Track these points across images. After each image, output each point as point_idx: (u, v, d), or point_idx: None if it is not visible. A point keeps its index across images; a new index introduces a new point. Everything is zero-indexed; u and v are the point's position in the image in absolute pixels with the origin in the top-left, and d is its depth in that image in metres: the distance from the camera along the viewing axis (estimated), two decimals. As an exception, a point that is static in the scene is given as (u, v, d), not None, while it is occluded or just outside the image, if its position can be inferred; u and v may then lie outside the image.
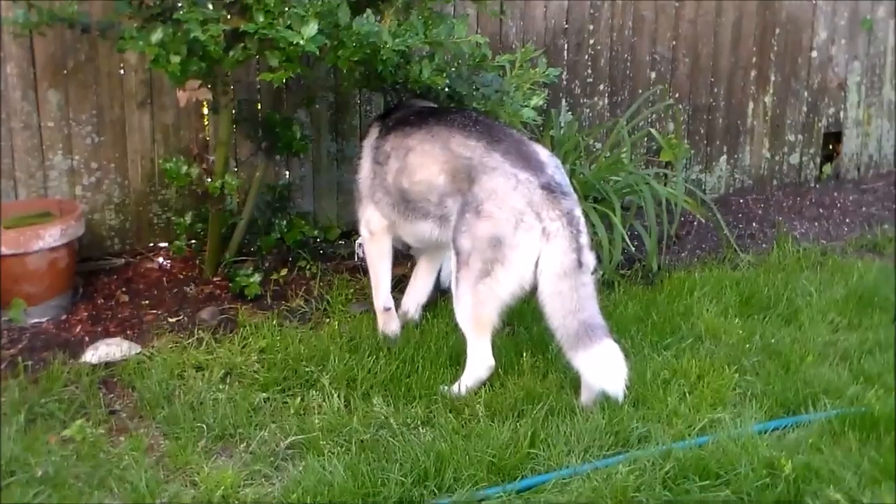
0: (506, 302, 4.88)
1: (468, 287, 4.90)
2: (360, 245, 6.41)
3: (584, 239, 4.79)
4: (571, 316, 4.67)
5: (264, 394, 4.95)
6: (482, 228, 4.85)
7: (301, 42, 4.82)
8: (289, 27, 4.84)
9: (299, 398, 4.91)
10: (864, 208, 7.66)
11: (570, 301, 4.70)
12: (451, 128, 5.19)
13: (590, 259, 4.78)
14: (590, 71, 7.26)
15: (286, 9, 4.86)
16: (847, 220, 7.51)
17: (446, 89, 5.60)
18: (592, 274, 4.85)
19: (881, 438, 4.51)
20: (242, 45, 5.15)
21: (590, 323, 4.66)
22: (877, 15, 7.83)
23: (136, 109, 6.22)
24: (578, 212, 4.84)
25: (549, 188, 4.82)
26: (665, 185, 6.92)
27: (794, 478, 4.20)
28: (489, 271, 4.82)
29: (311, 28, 4.81)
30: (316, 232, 6.46)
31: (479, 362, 4.96)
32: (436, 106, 5.63)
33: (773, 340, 5.51)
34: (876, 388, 4.93)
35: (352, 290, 6.05)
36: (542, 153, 5.04)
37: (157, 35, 5.10)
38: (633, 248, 6.62)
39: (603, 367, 4.62)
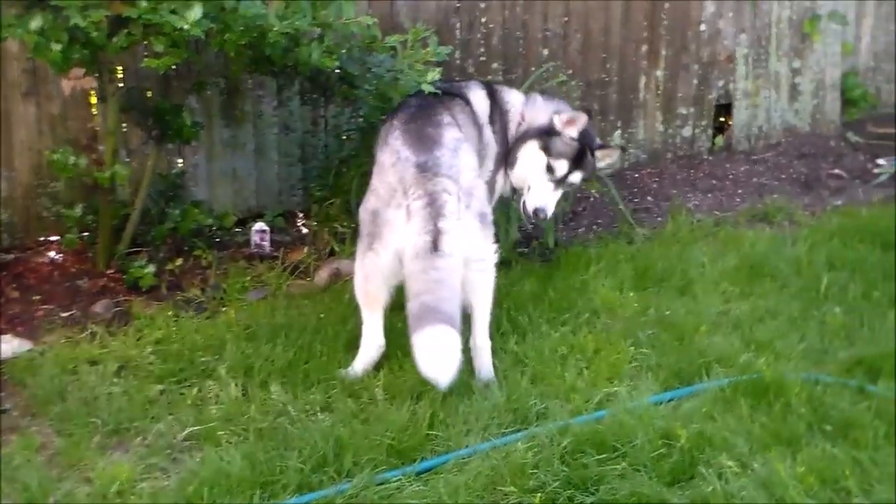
0: (388, 278, 4.83)
1: (359, 259, 4.92)
2: (257, 232, 6.37)
3: (448, 224, 4.65)
4: (416, 298, 4.58)
5: (160, 386, 4.87)
6: (369, 201, 4.90)
7: (186, 26, 4.75)
8: (173, 12, 4.78)
9: (196, 389, 4.84)
10: (755, 179, 7.73)
11: (418, 283, 4.61)
12: (404, 106, 5.33)
13: (451, 245, 4.63)
14: (483, 49, 7.24)
15: (170, -8, 4.80)
16: (739, 191, 7.58)
17: (337, 71, 5.55)
18: (488, 260, 4.91)
19: (772, 404, 4.59)
20: (126, 31, 5.05)
21: (428, 306, 4.53)
22: (762, -13, 7.94)
23: (21, 100, 6.07)
24: (447, 196, 4.70)
25: (423, 167, 4.77)
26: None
27: (688, 447, 4.24)
28: (371, 245, 4.81)
29: (196, 12, 4.76)
30: (211, 220, 6.33)
31: (369, 342, 4.95)
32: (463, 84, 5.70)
33: (667, 312, 5.55)
34: (766, 354, 5.00)
35: (248, 278, 5.97)
36: (449, 135, 5.00)
37: (36, 22, 4.94)
38: (531, 226, 6.63)
39: (426, 352, 4.48)
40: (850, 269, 6.02)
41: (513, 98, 5.74)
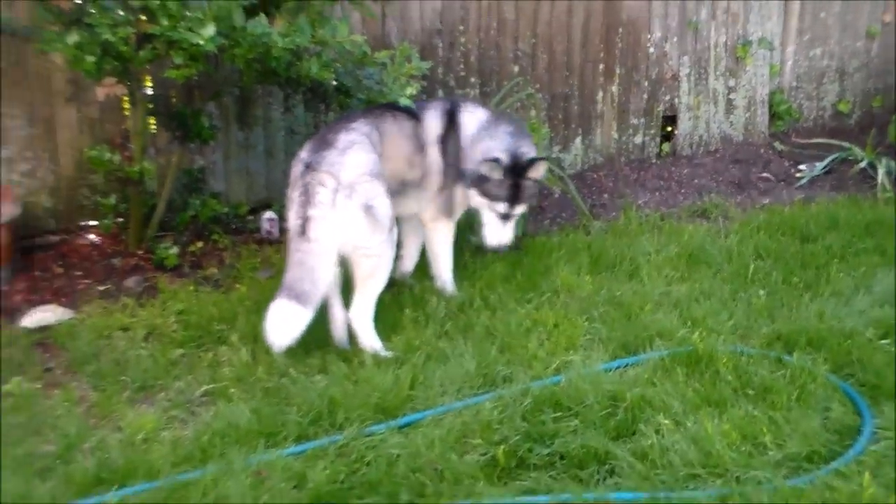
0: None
1: None
2: (266, 220, 6.36)
3: (317, 211, 4.66)
4: (285, 273, 4.67)
5: (181, 350, 4.91)
6: None
7: (201, 42, 4.75)
8: (190, 29, 4.77)
9: (212, 353, 4.88)
10: (695, 180, 7.73)
11: (289, 260, 4.70)
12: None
13: (316, 231, 4.64)
14: (462, 66, 7.24)
15: (187, 13, 4.79)
16: (682, 191, 7.58)
17: (334, 83, 5.54)
18: (371, 248, 4.81)
19: (703, 372, 4.61)
20: (151, 45, 5.06)
21: (285, 282, 4.62)
22: (700, 17, 7.90)
23: (64, 105, 6.07)
24: (321, 188, 4.69)
25: (309, 165, 4.79)
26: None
27: (631, 408, 4.27)
28: None
29: (209, 30, 4.76)
30: (227, 209, 6.36)
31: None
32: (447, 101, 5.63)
33: (617, 293, 5.54)
34: (700, 330, 5.00)
35: (258, 260, 5.98)
36: (344, 139, 4.89)
37: (73, 37, 4.98)
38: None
39: (268, 321, 4.57)
40: (773, 258, 6.03)
41: (466, 120, 5.41)
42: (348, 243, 4.75)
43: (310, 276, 4.63)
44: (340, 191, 4.72)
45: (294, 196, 4.76)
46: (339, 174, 4.75)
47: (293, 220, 4.72)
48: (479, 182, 5.24)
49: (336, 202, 4.70)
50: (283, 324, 4.56)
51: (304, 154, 4.89)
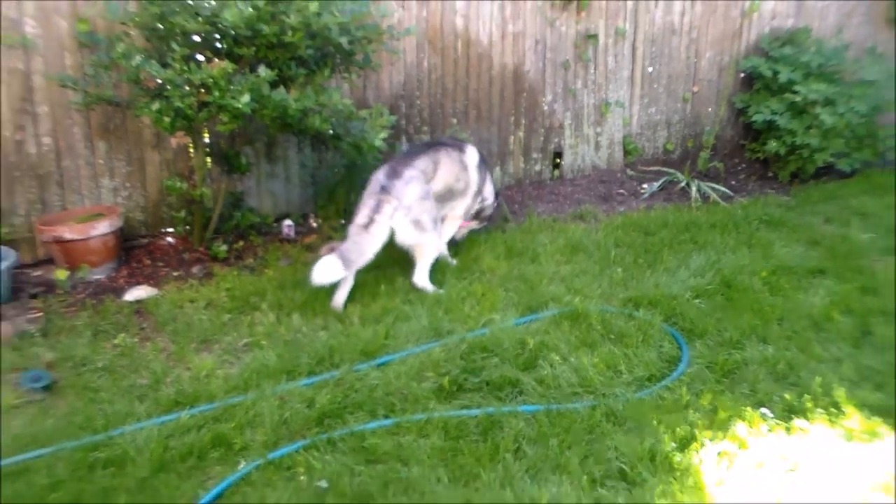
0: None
1: None
2: (286, 225, 6.30)
3: (380, 217, 4.77)
4: (341, 245, 4.74)
5: (229, 315, 4.86)
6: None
7: (240, 106, 4.70)
8: (233, 98, 4.72)
9: (249, 317, 4.83)
10: (575, 195, 7.72)
11: (348, 241, 4.76)
12: (408, 150, 5.70)
13: (375, 229, 4.76)
14: (418, 119, 7.19)
15: (231, 87, 4.75)
16: (567, 202, 7.57)
17: (331, 132, 5.51)
18: (422, 243, 5.00)
19: (581, 324, 4.66)
20: (207, 109, 5.00)
21: (338, 249, 4.69)
22: (577, 86, 7.88)
23: (151, 150, 5.97)
24: (386, 205, 4.80)
25: (382, 187, 4.86)
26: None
27: (533, 349, 4.31)
28: None
29: (245, 98, 4.72)
30: (259, 219, 6.26)
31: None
32: (453, 142, 5.74)
33: (524, 272, 5.55)
34: (579, 296, 5.03)
35: (280, 253, 5.89)
36: (407, 173, 5.01)
37: (155, 106, 4.93)
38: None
39: (316, 266, 4.58)
40: (626, 246, 6.06)
41: (482, 166, 5.82)
42: (406, 241, 4.92)
43: (358, 251, 4.70)
44: (400, 209, 4.84)
45: (369, 203, 4.82)
46: (401, 198, 4.86)
47: (362, 218, 4.77)
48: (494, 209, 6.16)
49: (395, 216, 4.82)
50: (327, 271, 4.58)
51: (380, 176, 4.96)
